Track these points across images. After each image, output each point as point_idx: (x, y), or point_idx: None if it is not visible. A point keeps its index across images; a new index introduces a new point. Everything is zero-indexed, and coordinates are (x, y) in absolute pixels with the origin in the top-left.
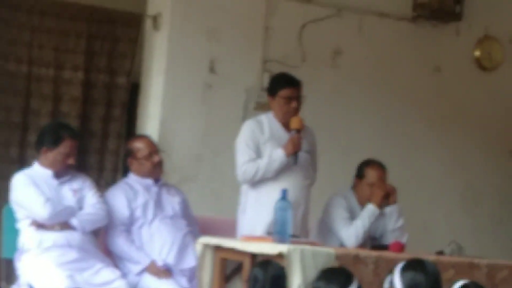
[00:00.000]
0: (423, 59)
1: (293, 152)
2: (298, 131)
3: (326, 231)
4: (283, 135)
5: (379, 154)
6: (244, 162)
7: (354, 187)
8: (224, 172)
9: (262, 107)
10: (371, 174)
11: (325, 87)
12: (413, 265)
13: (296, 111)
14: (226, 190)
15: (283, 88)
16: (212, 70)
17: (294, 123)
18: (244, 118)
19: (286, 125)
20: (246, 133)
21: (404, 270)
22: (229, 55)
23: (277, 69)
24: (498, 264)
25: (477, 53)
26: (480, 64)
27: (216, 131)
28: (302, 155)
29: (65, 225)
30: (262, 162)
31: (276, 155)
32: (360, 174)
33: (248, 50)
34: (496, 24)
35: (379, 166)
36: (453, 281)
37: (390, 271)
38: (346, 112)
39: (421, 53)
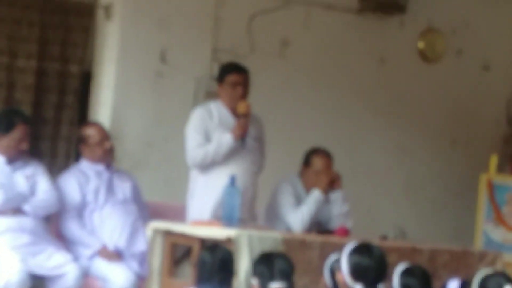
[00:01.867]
0: (369, 50)
1: (241, 135)
2: (245, 115)
3: (273, 217)
4: (231, 121)
5: (326, 143)
6: (193, 148)
7: (301, 174)
8: (174, 158)
9: (212, 96)
10: (317, 162)
11: (273, 77)
12: (360, 249)
13: (242, 96)
14: (177, 176)
15: (229, 74)
16: (163, 59)
17: (241, 107)
18: (194, 106)
19: (234, 112)
20: (195, 119)
21: (351, 253)
22: (179, 44)
23: (226, 58)
24: (439, 249)
25: (420, 44)
26: (423, 56)
27: (166, 118)
28: (250, 142)
29: (17, 211)
30: (211, 147)
31: (224, 139)
32: (306, 162)
33: (198, 40)
34: (439, 16)
35: (325, 154)
36: (395, 265)
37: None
38: (293, 101)
39: (366, 45)
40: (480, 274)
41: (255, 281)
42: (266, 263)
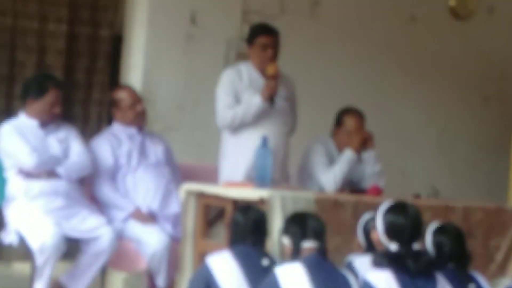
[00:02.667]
0: (399, 8)
1: (270, 96)
2: (274, 77)
3: (305, 177)
4: (261, 82)
5: (357, 103)
6: (223, 109)
7: (333, 134)
8: (206, 121)
9: (242, 57)
10: (349, 122)
11: (304, 38)
12: (395, 208)
13: (272, 58)
14: (208, 138)
15: (259, 36)
16: (193, 21)
17: (270, 69)
18: (224, 68)
19: (264, 73)
20: (225, 81)
21: (386, 212)
22: (209, 6)
23: (256, 20)
24: (472, 207)
25: (452, 2)
26: (455, 13)
27: (197, 81)
28: (280, 103)
29: (51, 174)
30: (240, 108)
31: (253, 101)
32: (338, 122)
33: (228, 2)
34: None
35: (357, 114)
36: (429, 224)
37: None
38: (324, 61)
39: (397, 3)
40: None
41: (287, 240)
42: (298, 223)
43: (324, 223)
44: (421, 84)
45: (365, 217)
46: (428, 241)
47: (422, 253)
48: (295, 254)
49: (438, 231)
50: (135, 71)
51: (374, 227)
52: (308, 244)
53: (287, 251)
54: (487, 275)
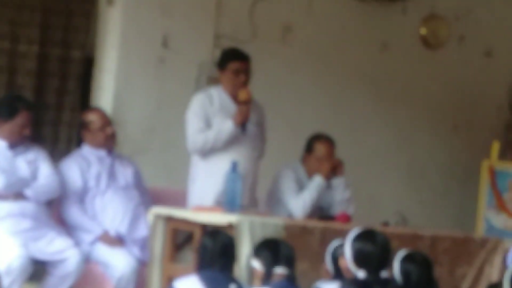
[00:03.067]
0: (371, 36)
1: (242, 122)
2: (246, 102)
3: (275, 202)
4: (232, 107)
5: (328, 129)
6: (194, 133)
7: (303, 161)
8: (176, 144)
9: (213, 82)
10: (320, 148)
11: (276, 63)
12: (364, 236)
13: (244, 84)
14: (178, 162)
15: (231, 61)
16: (165, 44)
17: (242, 95)
18: (196, 92)
19: (235, 98)
20: (196, 105)
21: (355, 240)
22: (181, 30)
23: (228, 44)
24: (440, 236)
25: (423, 31)
26: (426, 42)
27: (168, 104)
28: (251, 127)
29: (19, 196)
30: (212, 133)
31: (225, 125)
32: (309, 148)
33: (200, 26)
34: (442, 2)
35: (328, 141)
36: (397, 251)
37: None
38: (296, 88)
39: (369, 31)
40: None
41: (257, 264)
42: (271, 248)
43: (294, 251)
44: (392, 111)
45: (334, 244)
46: (396, 269)
47: (390, 281)
48: (266, 279)
49: (406, 259)
50: (105, 93)
51: (342, 254)
52: (280, 270)
53: (257, 275)
54: None
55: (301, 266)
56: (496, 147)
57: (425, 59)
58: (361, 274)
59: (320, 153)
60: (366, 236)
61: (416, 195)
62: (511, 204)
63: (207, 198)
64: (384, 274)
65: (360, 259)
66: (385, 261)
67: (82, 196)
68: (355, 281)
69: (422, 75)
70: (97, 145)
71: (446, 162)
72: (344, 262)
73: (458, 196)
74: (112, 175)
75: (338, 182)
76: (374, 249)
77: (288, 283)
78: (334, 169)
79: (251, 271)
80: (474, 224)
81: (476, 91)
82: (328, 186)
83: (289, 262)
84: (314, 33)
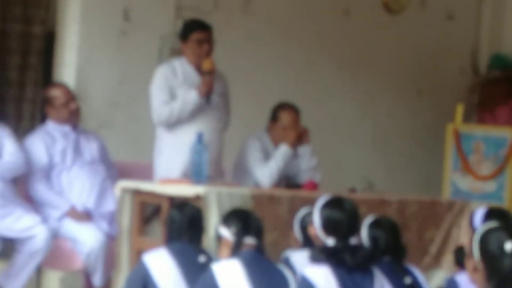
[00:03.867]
0: (333, 3)
1: (206, 93)
2: (210, 72)
3: (241, 172)
4: (196, 78)
5: (292, 98)
6: (159, 105)
7: (269, 130)
8: (141, 117)
9: (176, 53)
10: (285, 117)
11: (238, 33)
12: (332, 203)
13: (207, 54)
14: (144, 135)
15: (194, 32)
16: (126, 17)
17: (206, 64)
18: (159, 64)
19: (199, 69)
20: (160, 77)
21: (323, 207)
22: (142, 2)
23: (190, 15)
24: (407, 200)
25: None
26: (387, 7)
27: (132, 77)
28: (215, 98)
29: None
30: (176, 104)
31: (190, 96)
32: (274, 117)
33: None
34: None
35: (292, 109)
36: (365, 217)
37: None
38: (258, 57)
39: None
40: (480, 230)
41: (227, 233)
42: (241, 218)
43: (262, 222)
44: (356, 78)
45: (302, 212)
46: (364, 235)
47: (359, 247)
48: (236, 248)
49: (373, 225)
50: (68, 68)
51: (311, 222)
52: (249, 240)
53: (226, 244)
54: (422, 267)
55: (270, 235)
56: (460, 110)
57: (387, 24)
58: (330, 241)
59: (285, 121)
60: (335, 203)
61: (382, 160)
62: (477, 166)
63: (173, 170)
64: (353, 240)
65: (329, 226)
66: (354, 228)
67: (48, 172)
68: (325, 248)
69: (384, 41)
70: (61, 120)
71: (411, 126)
72: (313, 230)
73: (423, 160)
74: (77, 150)
75: (304, 150)
76: (342, 216)
77: (257, 253)
78: (299, 137)
79: (219, 238)
80: (440, 187)
81: (439, 54)
82: (294, 154)
83: (259, 234)
84: (276, 2)
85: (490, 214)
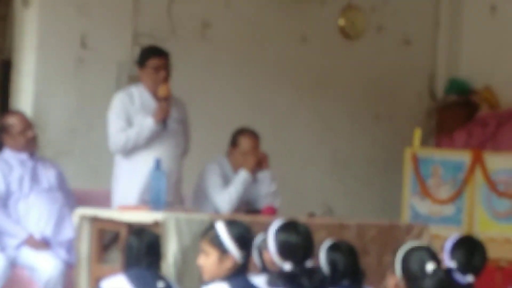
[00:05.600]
0: (290, 29)
1: (162, 118)
2: (166, 98)
3: (201, 198)
4: (153, 105)
5: (251, 124)
6: (115, 132)
7: (228, 155)
8: (99, 145)
9: (134, 80)
10: (244, 143)
11: (196, 59)
12: (286, 227)
13: (164, 80)
14: (102, 163)
15: (151, 58)
16: (83, 45)
17: (162, 90)
18: (116, 91)
19: (156, 95)
20: (117, 104)
21: (277, 232)
22: (99, 29)
23: (147, 42)
24: (367, 224)
25: (341, 22)
26: (344, 33)
27: (89, 105)
28: (172, 125)
29: None
30: (133, 131)
31: (146, 123)
32: (233, 142)
33: (119, 24)
34: None
35: (252, 134)
36: (324, 241)
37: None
38: (217, 83)
39: (287, 23)
40: (404, 248)
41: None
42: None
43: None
44: (313, 103)
45: (260, 237)
46: (322, 259)
47: (316, 270)
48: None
49: (331, 249)
50: (25, 96)
51: (266, 247)
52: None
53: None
54: None
55: None
56: (418, 134)
57: (344, 49)
58: (286, 266)
59: (245, 147)
60: (288, 227)
61: (341, 185)
62: (435, 190)
63: (131, 197)
64: (309, 263)
65: (284, 251)
66: (309, 251)
67: (5, 200)
68: (281, 273)
69: (342, 66)
70: (18, 148)
71: (369, 151)
72: (268, 255)
73: (382, 184)
74: (34, 178)
75: (263, 175)
76: (297, 239)
77: (245, 276)
78: (259, 163)
79: (179, 267)
80: (399, 211)
81: (396, 79)
82: (254, 180)
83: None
84: (233, 28)
85: (460, 242)
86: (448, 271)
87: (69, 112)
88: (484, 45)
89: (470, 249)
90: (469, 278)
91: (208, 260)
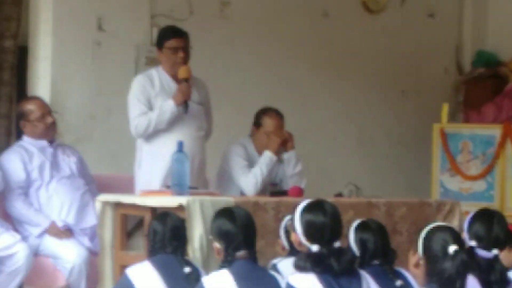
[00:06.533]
0: (310, 4)
1: (183, 101)
2: (187, 80)
3: (225, 180)
4: (174, 87)
5: (274, 103)
6: (136, 116)
7: (252, 136)
8: (119, 130)
9: (153, 62)
10: (268, 122)
11: (215, 39)
12: (313, 207)
13: (183, 61)
14: (122, 147)
15: (169, 39)
16: (100, 27)
17: (182, 72)
18: (135, 74)
19: (175, 77)
20: (136, 87)
21: (303, 212)
22: (116, 11)
23: (165, 23)
24: (396, 202)
25: None
26: (367, 7)
27: (108, 89)
28: (194, 106)
29: None
30: (153, 114)
31: (167, 105)
32: (257, 123)
33: (136, 6)
34: None
35: (276, 114)
36: (352, 221)
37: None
38: (237, 62)
39: None
40: (427, 228)
41: (217, 245)
42: (231, 233)
43: (256, 230)
44: (338, 80)
45: (286, 218)
46: (351, 238)
47: (344, 251)
48: (227, 261)
49: (360, 228)
50: (42, 82)
51: (293, 228)
52: (241, 253)
53: (218, 251)
54: None
55: (257, 243)
56: (445, 109)
57: (367, 24)
58: (314, 247)
59: (269, 127)
60: (315, 207)
61: (368, 164)
62: (465, 166)
63: (154, 181)
64: (337, 244)
65: (311, 232)
66: (337, 231)
67: (26, 188)
68: (309, 254)
69: (365, 41)
70: (37, 135)
71: (396, 128)
72: (295, 237)
73: (410, 162)
74: (55, 165)
75: (289, 156)
76: (324, 220)
77: (249, 263)
78: (284, 143)
79: (205, 251)
80: (429, 189)
81: (422, 54)
82: (279, 161)
83: (251, 243)
84: (252, 5)
85: (475, 217)
86: (471, 250)
87: (88, 96)
88: (510, 16)
89: (486, 223)
90: (494, 252)
91: None
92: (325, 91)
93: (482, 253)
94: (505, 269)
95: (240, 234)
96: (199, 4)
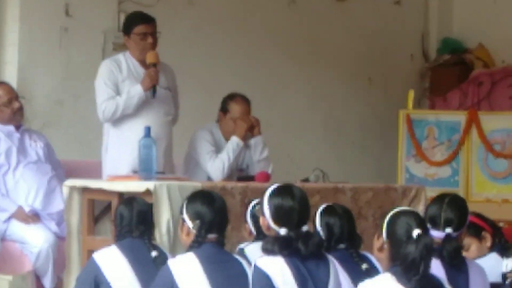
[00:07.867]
0: None
1: (151, 86)
2: (155, 65)
3: (192, 165)
4: (141, 72)
5: (242, 89)
6: (103, 101)
7: (219, 121)
8: (86, 115)
9: (120, 48)
10: (235, 108)
11: (183, 25)
12: (281, 191)
13: (152, 46)
14: (90, 133)
15: (137, 25)
16: (67, 13)
17: (150, 57)
18: (102, 60)
19: (143, 63)
20: (104, 72)
21: (272, 196)
22: None
23: (133, 9)
24: (361, 187)
25: None
26: None
27: (75, 74)
28: (162, 91)
29: None
30: (121, 99)
31: (134, 90)
32: (224, 108)
33: None
34: None
35: (243, 100)
36: (318, 206)
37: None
38: (205, 48)
39: None
40: (392, 212)
41: (190, 224)
42: (207, 213)
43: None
44: (305, 67)
45: (254, 203)
46: (318, 222)
47: (312, 234)
48: (197, 243)
49: (326, 212)
50: (10, 67)
51: (261, 212)
52: (211, 236)
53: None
54: None
55: None
56: (411, 95)
57: (334, 11)
58: (282, 230)
59: (236, 112)
60: (283, 191)
61: (335, 150)
62: (430, 152)
63: (122, 166)
64: (305, 228)
65: (279, 215)
66: (305, 215)
67: None
68: (277, 238)
69: (332, 29)
70: (4, 120)
71: (362, 115)
72: (264, 220)
73: (376, 148)
74: (22, 150)
75: (256, 141)
76: (292, 204)
77: (217, 247)
78: (251, 129)
79: (172, 236)
80: (395, 175)
81: (388, 41)
82: (246, 146)
83: (222, 227)
84: None
85: (433, 200)
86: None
87: (55, 82)
88: (476, 3)
89: (438, 204)
90: (447, 230)
91: None
92: (292, 77)
93: (434, 233)
94: (459, 248)
95: (216, 217)
96: None
